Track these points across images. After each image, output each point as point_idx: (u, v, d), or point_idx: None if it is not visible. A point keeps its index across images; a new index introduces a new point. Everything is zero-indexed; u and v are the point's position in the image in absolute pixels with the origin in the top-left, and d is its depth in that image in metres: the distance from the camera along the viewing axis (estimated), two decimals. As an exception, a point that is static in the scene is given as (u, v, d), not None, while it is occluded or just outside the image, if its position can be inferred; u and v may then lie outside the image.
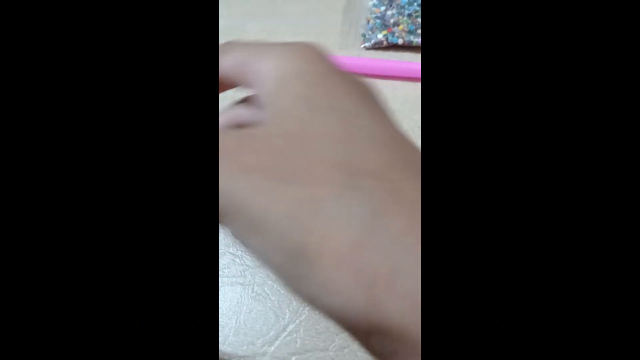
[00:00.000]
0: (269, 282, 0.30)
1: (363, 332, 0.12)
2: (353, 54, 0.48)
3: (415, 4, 0.49)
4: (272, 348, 0.27)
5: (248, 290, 0.30)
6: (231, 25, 0.52)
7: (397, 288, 0.12)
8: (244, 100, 0.20)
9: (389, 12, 0.49)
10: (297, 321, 0.29)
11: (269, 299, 0.30)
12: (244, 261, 0.32)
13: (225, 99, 0.19)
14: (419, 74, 0.45)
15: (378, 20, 0.48)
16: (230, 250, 0.32)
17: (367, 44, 0.48)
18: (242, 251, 0.31)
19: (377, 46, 0.48)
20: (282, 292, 0.30)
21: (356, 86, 0.16)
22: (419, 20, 0.48)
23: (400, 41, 0.47)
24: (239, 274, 0.31)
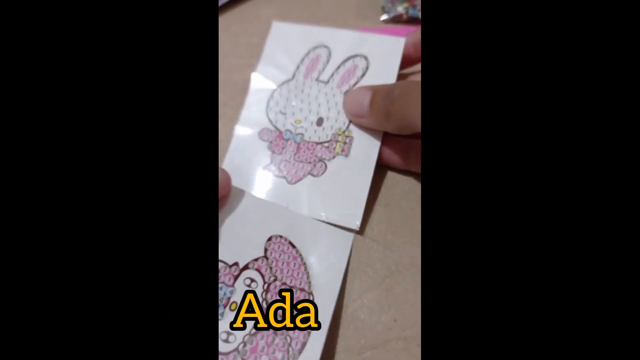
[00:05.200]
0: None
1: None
2: (370, 26, 0.46)
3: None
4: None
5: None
6: (243, 11, 0.50)
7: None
8: None
9: (412, -17, 0.46)
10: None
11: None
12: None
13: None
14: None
15: (400, -9, 0.46)
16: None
17: (385, 17, 0.45)
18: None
19: (396, 19, 0.45)
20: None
21: None
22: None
23: (421, 15, 0.45)
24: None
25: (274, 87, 0.36)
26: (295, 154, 0.33)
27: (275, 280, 0.28)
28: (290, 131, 0.34)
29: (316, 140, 0.33)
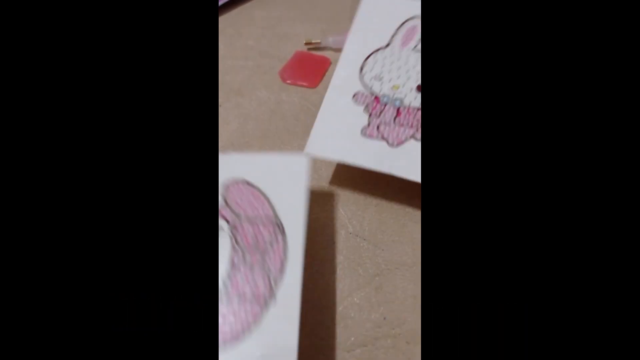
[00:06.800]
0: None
1: None
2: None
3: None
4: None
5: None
6: (238, 14, 0.50)
7: None
8: None
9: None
10: None
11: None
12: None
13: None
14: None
15: None
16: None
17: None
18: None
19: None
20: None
21: None
22: None
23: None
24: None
25: (368, 53, 0.36)
26: (395, 118, 0.33)
27: (239, 218, 0.29)
28: (387, 95, 0.34)
29: (417, 105, 0.33)
